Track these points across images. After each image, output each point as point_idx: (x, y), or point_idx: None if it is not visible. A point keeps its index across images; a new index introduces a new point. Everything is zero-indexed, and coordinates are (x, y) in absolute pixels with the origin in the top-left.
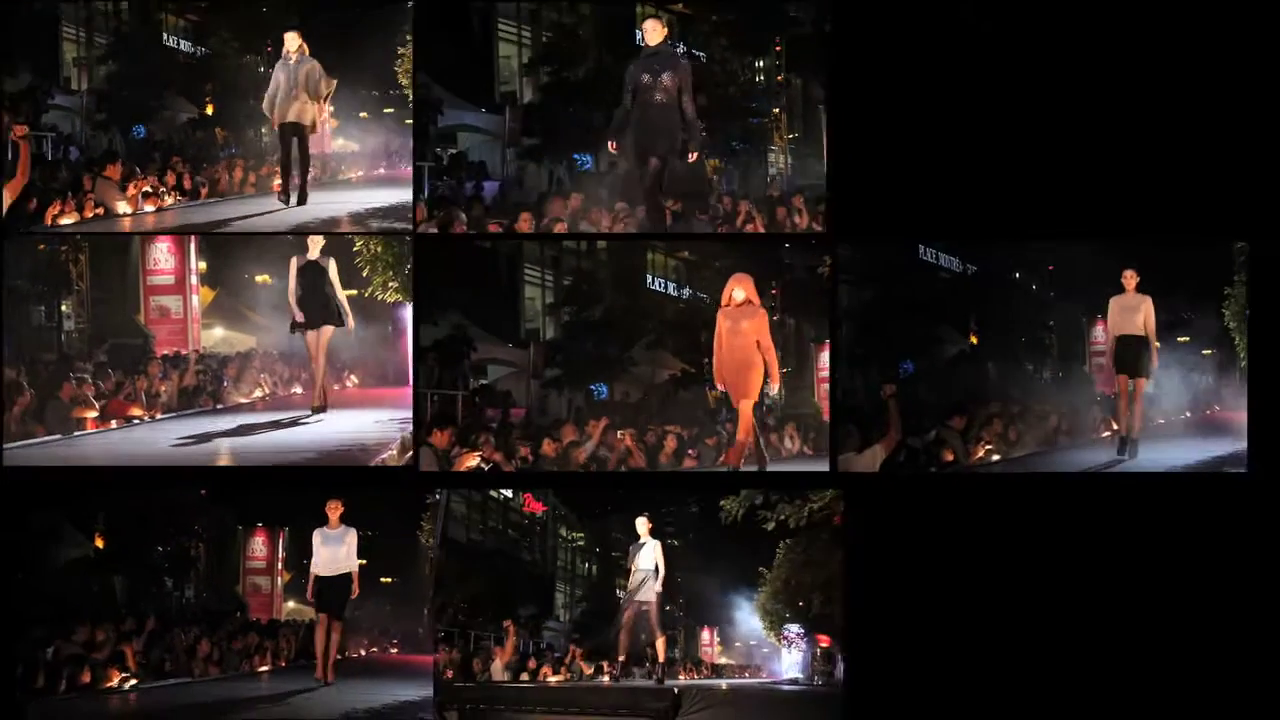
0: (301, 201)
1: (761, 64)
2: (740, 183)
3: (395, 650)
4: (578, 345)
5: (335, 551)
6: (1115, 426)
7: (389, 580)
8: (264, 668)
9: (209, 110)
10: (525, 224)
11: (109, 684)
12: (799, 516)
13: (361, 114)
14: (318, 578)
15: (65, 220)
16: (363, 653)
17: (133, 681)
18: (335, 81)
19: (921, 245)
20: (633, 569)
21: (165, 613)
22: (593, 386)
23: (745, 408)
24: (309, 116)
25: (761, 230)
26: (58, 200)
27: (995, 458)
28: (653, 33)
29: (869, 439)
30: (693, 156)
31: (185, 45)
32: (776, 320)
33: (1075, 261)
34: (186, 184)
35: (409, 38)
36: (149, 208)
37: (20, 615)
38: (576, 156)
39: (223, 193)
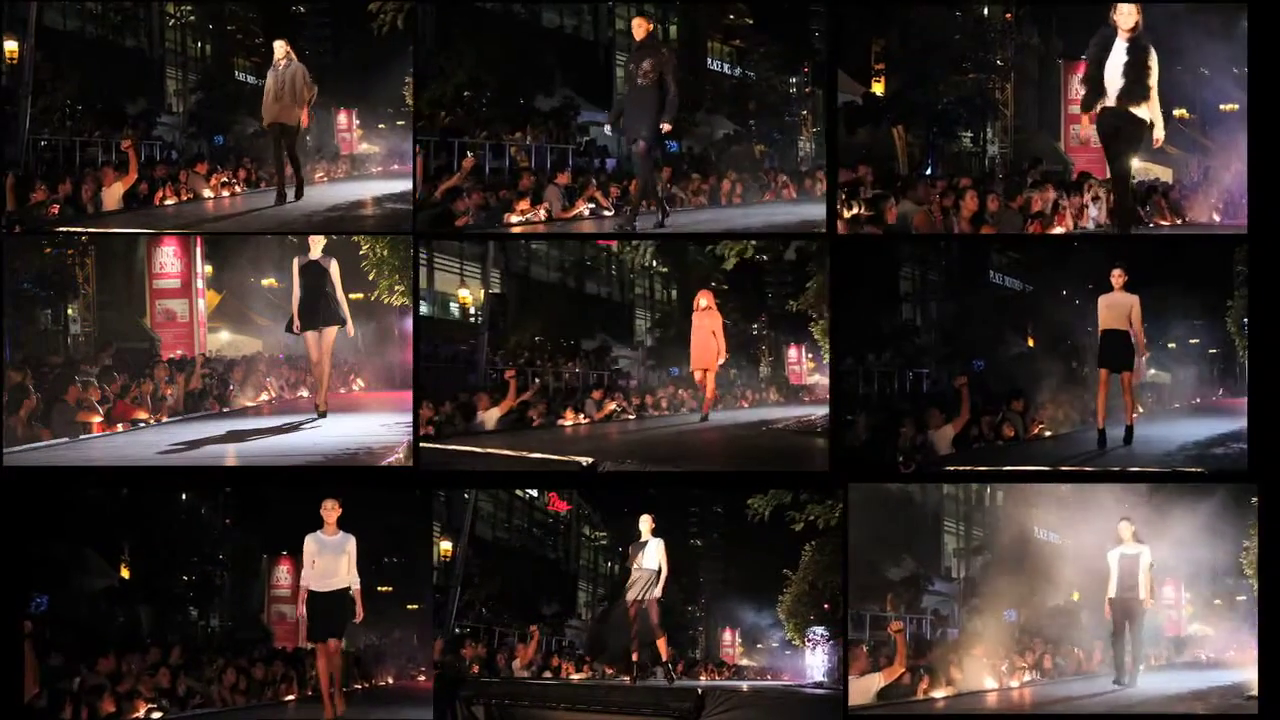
0: (298, 197)
1: (794, 80)
2: (779, 160)
3: (423, 678)
4: (664, 348)
5: (333, 562)
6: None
7: (414, 607)
8: (290, 696)
9: (302, 127)
10: None
11: (135, 715)
12: (829, 517)
13: (380, 125)
14: (311, 593)
15: (169, 202)
16: (390, 680)
17: (158, 715)
18: (315, 88)
19: (991, 270)
20: (634, 567)
21: (191, 642)
22: (671, 369)
23: (710, 378)
24: (294, 118)
25: (794, 196)
26: (160, 188)
27: (1048, 434)
28: (639, 29)
29: (948, 418)
30: (666, 127)
31: (250, 79)
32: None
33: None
34: (254, 177)
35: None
36: (225, 194)
37: (46, 643)
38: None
39: (277, 184)
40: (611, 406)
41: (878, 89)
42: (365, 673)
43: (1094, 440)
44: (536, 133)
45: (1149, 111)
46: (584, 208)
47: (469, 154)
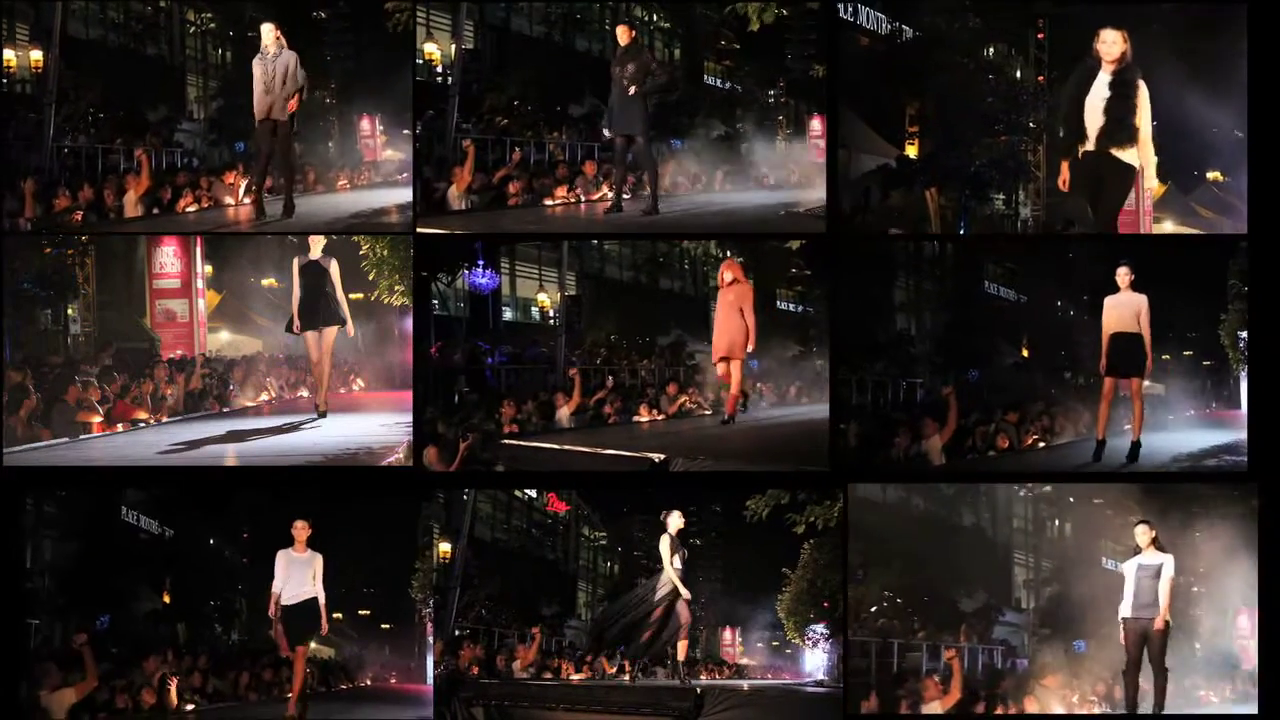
0: (288, 211)
1: (771, 93)
2: (762, 153)
3: (394, 680)
4: None
5: (301, 576)
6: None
7: (388, 626)
8: (290, 694)
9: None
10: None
11: (173, 706)
12: (828, 517)
13: (404, 131)
14: (282, 606)
15: (190, 208)
16: (368, 682)
17: (190, 706)
18: (306, 77)
19: (985, 280)
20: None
21: (216, 651)
22: (751, 363)
23: (735, 367)
24: (286, 112)
25: (772, 184)
26: (182, 195)
27: (1041, 445)
28: (623, 35)
29: (941, 429)
30: (632, 90)
31: None
32: None
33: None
34: (277, 184)
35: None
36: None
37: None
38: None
39: (301, 189)
40: (683, 400)
41: (911, 152)
42: (350, 676)
43: (1089, 452)
44: (570, 133)
45: (1137, 155)
46: (608, 190)
47: (517, 149)
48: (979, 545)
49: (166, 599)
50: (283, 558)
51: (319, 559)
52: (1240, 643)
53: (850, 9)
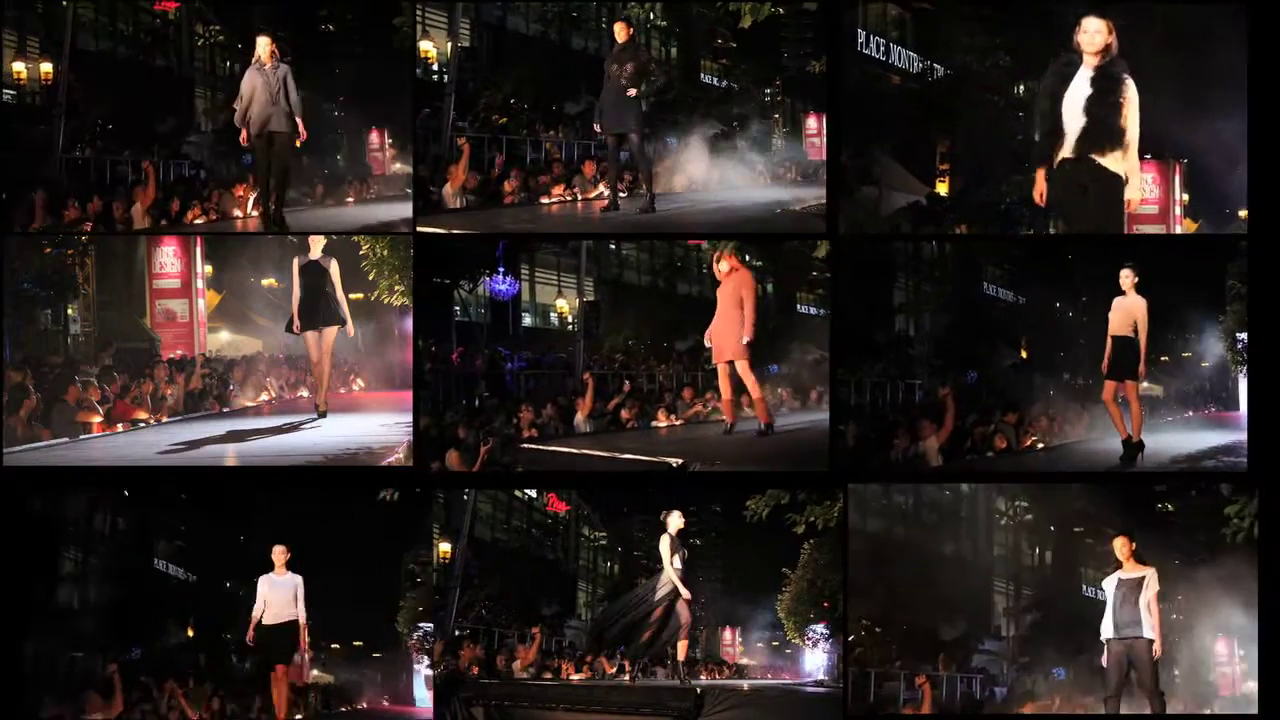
0: (279, 222)
1: (769, 91)
2: (757, 154)
3: (387, 702)
4: (761, 345)
5: (283, 597)
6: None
7: (378, 655)
8: (298, 715)
9: (297, 144)
10: None
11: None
12: (828, 517)
13: (412, 144)
14: (260, 625)
15: (198, 220)
16: (365, 705)
17: None
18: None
19: (984, 282)
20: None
21: (230, 678)
22: (770, 367)
23: (742, 369)
24: (288, 127)
25: (768, 182)
26: (190, 207)
27: (1040, 446)
28: (621, 32)
29: (938, 430)
30: (632, 92)
31: None
32: None
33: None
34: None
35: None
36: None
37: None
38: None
39: (310, 203)
40: (698, 407)
41: (942, 189)
42: (348, 699)
43: (1087, 454)
44: (566, 131)
45: (1123, 163)
46: (605, 189)
47: (499, 154)
48: (959, 573)
49: (190, 632)
50: (264, 582)
51: (299, 581)
52: (1220, 670)
53: (882, 48)
